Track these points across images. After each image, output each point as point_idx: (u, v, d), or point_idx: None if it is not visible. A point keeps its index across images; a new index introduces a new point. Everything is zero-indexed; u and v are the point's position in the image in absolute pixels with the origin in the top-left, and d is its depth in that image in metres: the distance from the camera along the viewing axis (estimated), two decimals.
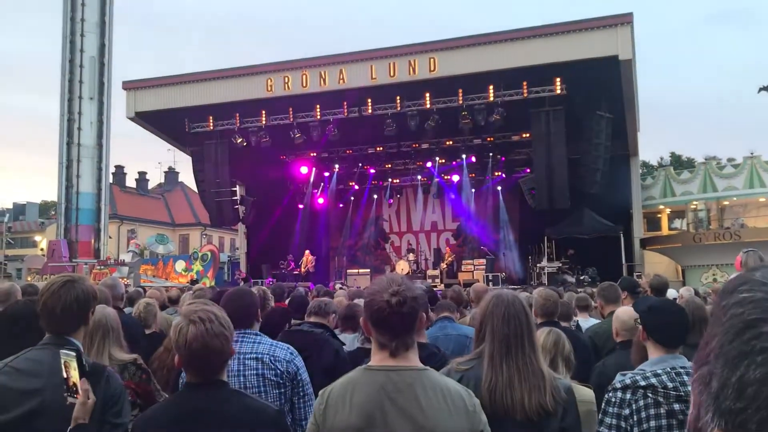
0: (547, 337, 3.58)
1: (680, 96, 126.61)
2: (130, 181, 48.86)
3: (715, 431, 0.60)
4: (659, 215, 29.65)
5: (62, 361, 2.43)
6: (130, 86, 23.89)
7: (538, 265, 22.29)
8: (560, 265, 21.57)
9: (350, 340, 5.20)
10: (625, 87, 19.52)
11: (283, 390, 3.32)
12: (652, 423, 2.64)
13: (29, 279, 25.53)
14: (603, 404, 2.81)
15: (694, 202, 28.65)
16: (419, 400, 2.09)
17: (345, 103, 21.11)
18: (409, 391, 2.10)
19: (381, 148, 24.97)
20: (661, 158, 45.40)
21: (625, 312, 4.34)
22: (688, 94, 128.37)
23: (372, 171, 26.88)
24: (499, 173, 25.49)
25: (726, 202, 28.79)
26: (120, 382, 2.70)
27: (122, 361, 3.42)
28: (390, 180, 27.59)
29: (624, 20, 18.66)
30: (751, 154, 27.94)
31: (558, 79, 19.11)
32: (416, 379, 2.14)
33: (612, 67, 18.26)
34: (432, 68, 20.01)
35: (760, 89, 34.37)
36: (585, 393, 3.26)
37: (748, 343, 0.58)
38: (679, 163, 41.39)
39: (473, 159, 24.92)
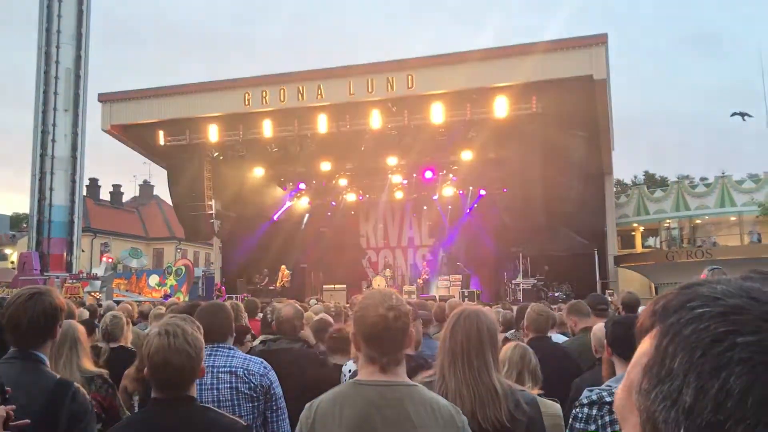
0: (514, 352, 3.60)
1: (654, 116, 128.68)
2: (105, 194, 48.29)
3: None
4: (633, 233, 30.03)
5: None
6: (105, 98, 23.70)
7: (513, 281, 22.40)
8: (535, 281, 21.70)
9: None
10: (600, 106, 19.77)
11: (256, 404, 3.30)
12: None
13: None
14: (570, 419, 2.82)
15: (668, 221, 29.07)
16: (410, 415, 2.08)
17: (323, 118, 21.13)
18: (399, 406, 2.09)
19: (359, 163, 24.99)
20: (635, 177, 46.21)
21: (600, 329, 4.37)
22: (662, 114, 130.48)
23: (349, 186, 26.87)
24: (476, 190, 25.63)
25: (698, 221, 29.25)
26: (87, 399, 2.65)
27: (90, 373, 3.37)
28: (367, 195, 27.60)
29: (599, 41, 18.95)
30: (723, 173, 28.49)
31: (534, 98, 19.31)
32: (406, 394, 2.13)
33: (587, 86, 18.52)
34: (410, 85, 20.12)
35: (733, 114, 35.21)
36: (551, 406, 3.28)
37: (723, 356, 0.58)
38: (652, 181, 41.99)
39: (451, 176, 25.04)
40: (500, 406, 2.54)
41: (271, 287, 23.24)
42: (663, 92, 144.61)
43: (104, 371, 3.21)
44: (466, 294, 21.73)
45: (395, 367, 2.16)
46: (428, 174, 24.60)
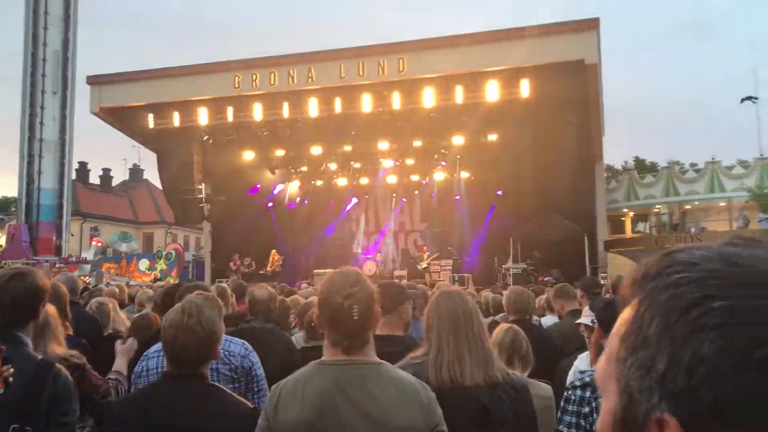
0: (505, 335, 3.59)
1: (645, 102, 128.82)
2: (94, 178, 47.99)
3: (664, 416, 0.59)
4: (623, 218, 30.14)
5: None
6: (94, 81, 23.47)
7: (503, 266, 22.45)
8: (525, 266, 21.76)
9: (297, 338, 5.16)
10: (591, 91, 19.74)
11: (237, 385, 3.29)
12: None
13: None
14: (562, 402, 2.82)
15: (657, 206, 29.18)
16: (373, 393, 2.08)
17: (314, 101, 21.01)
18: (362, 385, 2.10)
19: (350, 148, 24.90)
20: (626, 162, 46.22)
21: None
22: (653, 100, 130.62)
23: (340, 170, 26.79)
24: (468, 174, 25.61)
25: (688, 206, 29.40)
26: (69, 380, 2.63)
27: (56, 357, 3.34)
28: (359, 180, 27.54)
29: (590, 25, 18.90)
30: (713, 159, 28.57)
31: (526, 82, 19.25)
32: (370, 372, 2.13)
33: (578, 71, 18.47)
34: (401, 69, 20.02)
35: (743, 99, 35.49)
36: (543, 388, 3.28)
37: (697, 321, 0.58)
38: (642, 167, 41.98)
39: (443, 161, 25.01)
40: (493, 367, 2.66)
41: (262, 271, 23.20)
42: (655, 78, 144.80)
43: (74, 352, 3.16)
44: (456, 278, 21.77)
45: (359, 348, 2.16)
46: (409, 161, 24.67)
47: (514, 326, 3.87)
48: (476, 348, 2.65)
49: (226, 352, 3.30)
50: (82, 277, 23.42)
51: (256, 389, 3.37)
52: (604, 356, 0.68)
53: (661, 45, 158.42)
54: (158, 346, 3.06)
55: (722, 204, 28.55)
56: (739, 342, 0.56)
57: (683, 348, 0.58)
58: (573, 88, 19.09)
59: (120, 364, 3.73)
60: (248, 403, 2.55)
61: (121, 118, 23.97)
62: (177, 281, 22.67)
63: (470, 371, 2.59)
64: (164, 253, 27.34)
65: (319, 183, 27.65)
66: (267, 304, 4.73)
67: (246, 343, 3.43)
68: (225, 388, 2.63)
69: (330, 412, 2.06)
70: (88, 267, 26.61)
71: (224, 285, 6.61)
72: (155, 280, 23.42)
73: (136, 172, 51.10)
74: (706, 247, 0.65)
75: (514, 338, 3.61)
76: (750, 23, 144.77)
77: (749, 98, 35.43)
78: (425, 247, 25.48)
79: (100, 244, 32.16)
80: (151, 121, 22.61)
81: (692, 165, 31.04)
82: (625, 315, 0.66)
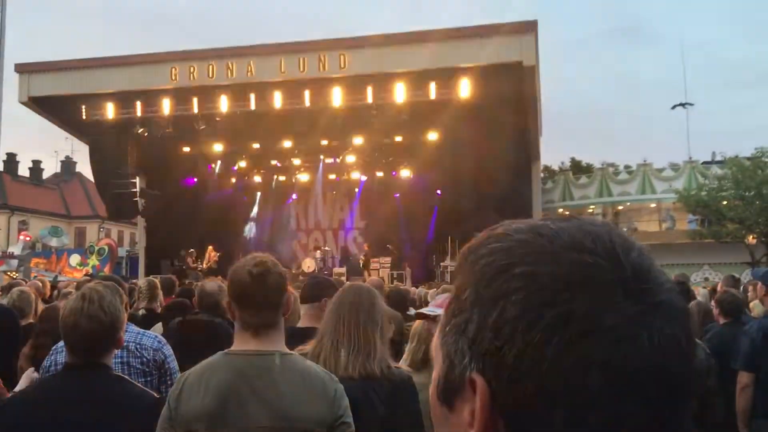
0: (421, 326, 3.60)
1: (581, 104, 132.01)
2: (23, 170, 46.22)
3: (473, 375, 0.63)
4: None
5: None
6: (23, 69, 22.57)
7: (441, 263, 22.65)
8: None
9: None
10: (529, 93, 20.09)
11: (149, 378, 3.23)
12: None
13: None
14: None
15: (591, 206, 29.94)
16: (277, 384, 2.05)
17: (253, 96, 20.72)
18: (267, 376, 2.06)
19: (289, 143, 24.68)
20: (562, 163, 47.20)
21: None
22: (589, 102, 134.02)
23: (279, 166, 26.54)
24: (408, 172, 25.73)
25: (620, 207, 30.29)
26: None
27: None
28: (297, 176, 27.34)
29: (529, 28, 19.21)
30: (644, 162, 29.49)
31: (465, 82, 19.43)
32: (276, 363, 2.09)
33: (516, 72, 18.77)
34: (342, 65, 19.95)
35: (674, 106, 36.71)
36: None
37: (502, 286, 0.62)
38: (578, 168, 43.01)
39: (382, 157, 25.05)
40: (373, 360, 2.58)
41: (198, 268, 22.78)
42: (591, 81, 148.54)
43: None
44: (395, 276, 21.85)
45: (268, 330, 2.12)
46: (350, 158, 24.70)
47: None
48: (357, 340, 2.60)
49: (138, 345, 3.23)
50: (9, 273, 22.56)
51: (169, 383, 3.30)
52: (437, 329, 0.72)
53: (596, 48, 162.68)
54: None
55: (653, 205, 29.54)
56: (533, 304, 0.60)
57: (490, 311, 0.62)
58: (511, 89, 19.38)
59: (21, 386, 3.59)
60: (153, 394, 2.48)
61: (53, 109, 23.14)
62: (102, 275, 22.06)
63: (345, 363, 2.55)
64: (97, 249, 26.59)
65: (257, 179, 27.32)
66: (215, 298, 4.66)
67: (159, 336, 3.35)
68: (127, 378, 2.56)
69: (233, 403, 2.02)
70: (15, 262, 25.67)
71: (154, 279, 6.49)
72: (87, 275, 22.71)
73: (68, 164, 49.50)
74: (523, 221, 0.70)
75: (430, 328, 3.62)
76: (680, 29, 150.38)
77: (681, 104, 36.72)
78: (366, 245, 25.51)
79: (28, 239, 30.99)
80: (83, 112, 21.90)
81: (626, 167, 31.97)
82: (453, 287, 0.71)
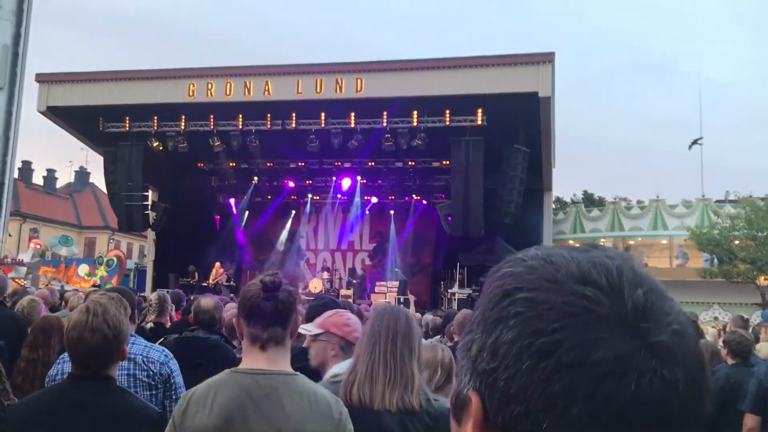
0: (444, 354, 3.55)
1: (596, 137, 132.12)
2: (38, 179, 46.69)
3: (470, 392, 0.66)
4: None
5: None
6: (44, 79, 22.84)
7: (449, 290, 22.55)
8: (470, 291, 21.89)
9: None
10: (543, 123, 20.15)
11: (155, 392, 3.23)
12: None
13: None
14: None
15: (602, 240, 29.74)
16: (283, 405, 2.04)
17: (269, 115, 20.91)
18: (274, 396, 2.06)
19: (302, 164, 24.81)
20: (574, 195, 47.26)
21: None
22: (605, 136, 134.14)
23: (292, 186, 26.65)
24: (418, 198, 25.78)
25: (631, 242, 30.08)
26: None
27: None
28: (309, 196, 27.43)
29: (546, 59, 19.31)
30: (657, 197, 29.38)
31: (479, 110, 19.54)
32: (283, 383, 2.09)
33: (532, 103, 18.84)
34: (359, 88, 20.10)
35: (691, 144, 36.69)
36: None
37: (504, 310, 0.65)
38: (590, 201, 42.99)
39: (393, 181, 25.13)
40: (412, 392, 2.48)
41: (204, 284, 22.80)
42: (607, 115, 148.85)
43: None
44: (401, 300, 21.76)
45: (276, 346, 2.12)
46: (359, 180, 24.80)
47: (445, 346, 3.85)
48: (393, 369, 2.50)
49: (145, 359, 3.24)
50: (18, 280, 22.62)
51: (174, 397, 3.30)
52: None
53: (613, 83, 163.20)
54: None
55: (664, 241, 29.34)
56: (527, 330, 0.62)
57: (491, 333, 0.65)
58: (526, 119, 19.48)
59: None
60: (155, 408, 2.49)
61: (70, 119, 23.40)
62: (111, 287, 22.07)
63: (381, 394, 2.45)
64: (105, 260, 26.64)
65: (269, 198, 27.42)
66: (211, 314, 4.65)
67: (167, 350, 3.36)
68: (130, 391, 2.56)
69: (238, 422, 2.02)
70: (24, 269, 25.72)
71: (164, 293, 6.49)
72: (95, 286, 22.76)
73: (82, 175, 49.92)
74: (542, 248, 0.71)
75: (452, 356, 3.58)
76: (697, 67, 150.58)
77: (696, 142, 36.67)
78: (363, 269, 25.54)
79: (38, 247, 31.08)
80: (101, 123, 22.16)
81: (638, 202, 31.87)
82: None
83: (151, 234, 26.76)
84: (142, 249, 40.03)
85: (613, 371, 0.58)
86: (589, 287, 0.62)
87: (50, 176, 47.49)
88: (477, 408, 0.64)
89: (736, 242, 22.33)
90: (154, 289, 22.25)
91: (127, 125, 21.92)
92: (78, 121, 23.20)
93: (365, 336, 2.65)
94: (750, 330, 7.72)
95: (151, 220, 23.87)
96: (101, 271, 25.99)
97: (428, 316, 8.40)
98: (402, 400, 2.45)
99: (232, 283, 23.02)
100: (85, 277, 25.81)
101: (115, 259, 25.92)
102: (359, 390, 2.47)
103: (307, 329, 2.96)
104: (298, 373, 2.17)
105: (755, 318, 14.16)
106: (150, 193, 23.90)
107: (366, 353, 2.56)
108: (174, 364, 3.34)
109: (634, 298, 0.62)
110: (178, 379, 3.36)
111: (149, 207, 23.51)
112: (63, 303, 8.19)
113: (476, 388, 0.65)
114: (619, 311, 0.61)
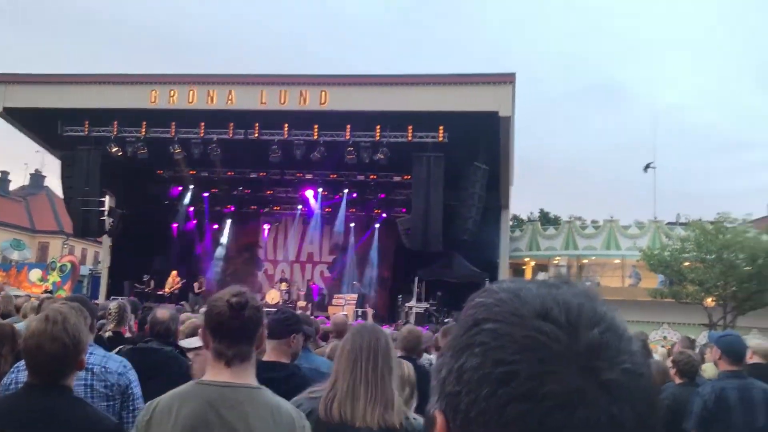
0: (409, 369, 3.63)
1: (554, 158, 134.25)
2: None
3: (436, 412, 0.71)
4: (524, 267, 31.12)
5: None
6: (0, 79, 22.40)
7: (407, 304, 22.65)
8: (428, 305, 22.04)
9: None
10: (503, 142, 20.49)
11: (112, 403, 3.21)
12: None
13: None
14: None
15: (557, 258, 30.30)
16: (247, 418, 2.08)
17: (231, 125, 20.83)
18: (238, 408, 2.09)
19: (263, 174, 24.71)
20: (531, 213, 47.98)
21: None
22: (561, 157, 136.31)
23: (252, 196, 26.49)
24: (378, 211, 25.87)
25: (585, 261, 30.67)
26: None
27: None
28: (270, 207, 27.31)
29: (507, 79, 19.68)
30: (611, 218, 30.03)
31: (441, 127, 19.78)
32: (247, 396, 2.13)
33: (492, 121, 19.15)
34: (323, 101, 20.19)
35: (646, 167, 37.58)
36: None
37: (472, 338, 0.70)
38: (546, 219, 43.70)
39: (354, 194, 25.19)
40: (392, 410, 2.53)
41: (160, 292, 22.48)
42: (563, 136, 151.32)
43: None
44: (359, 313, 21.77)
45: (242, 363, 2.15)
46: (320, 192, 24.88)
47: (405, 361, 3.95)
48: (374, 387, 2.54)
49: (104, 369, 3.23)
50: None
51: (131, 408, 3.30)
52: None
53: (570, 105, 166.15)
54: None
55: (617, 261, 29.97)
56: (489, 360, 0.67)
57: (458, 358, 0.70)
58: (486, 138, 19.78)
59: None
60: (113, 419, 2.49)
61: (27, 121, 22.92)
62: (69, 295, 21.62)
63: (363, 412, 2.49)
64: (59, 265, 26.13)
65: (229, 206, 27.21)
66: (167, 325, 4.61)
67: (125, 360, 3.36)
68: (87, 402, 2.57)
69: None
70: None
71: (124, 302, 6.40)
72: (46, 292, 22.26)
73: (37, 177, 48.79)
74: (517, 280, 0.76)
75: (413, 372, 3.66)
76: (651, 93, 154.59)
77: (649, 165, 37.63)
78: (331, 280, 25.47)
79: None
80: (59, 126, 21.74)
81: (593, 222, 32.52)
82: None
83: (106, 240, 26.28)
84: (97, 255, 39.25)
85: (563, 404, 0.62)
86: (549, 323, 0.66)
87: (3, 178, 46.33)
88: (441, 427, 0.70)
89: (686, 264, 22.92)
90: (108, 297, 21.87)
91: (87, 129, 21.56)
92: (35, 123, 22.73)
93: (344, 352, 2.67)
94: (697, 350, 7.96)
95: (107, 226, 23.41)
96: (54, 277, 25.48)
97: (388, 330, 8.48)
98: (383, 418, 2.50)
99: (176, 292, 22.72)
100: (37, 283, 25.26)
101: (68, 264, 25.44)
102: (340, 407, 2.51)
103: (189, 343, 2.95)
104: (262, 386, 2.21)
105: (702, 338, 14.58)
106: (107, 199, 23.45)
107: (347, 370, 2.59)
108: (132, 375, 3.32)
109: (589, 336, 0.66)
110: (136, 390, 3.34)
111: (106, 213, 23.08)
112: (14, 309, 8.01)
113: (442, 408, 0.70)
114: (573, 349, 0.65)
